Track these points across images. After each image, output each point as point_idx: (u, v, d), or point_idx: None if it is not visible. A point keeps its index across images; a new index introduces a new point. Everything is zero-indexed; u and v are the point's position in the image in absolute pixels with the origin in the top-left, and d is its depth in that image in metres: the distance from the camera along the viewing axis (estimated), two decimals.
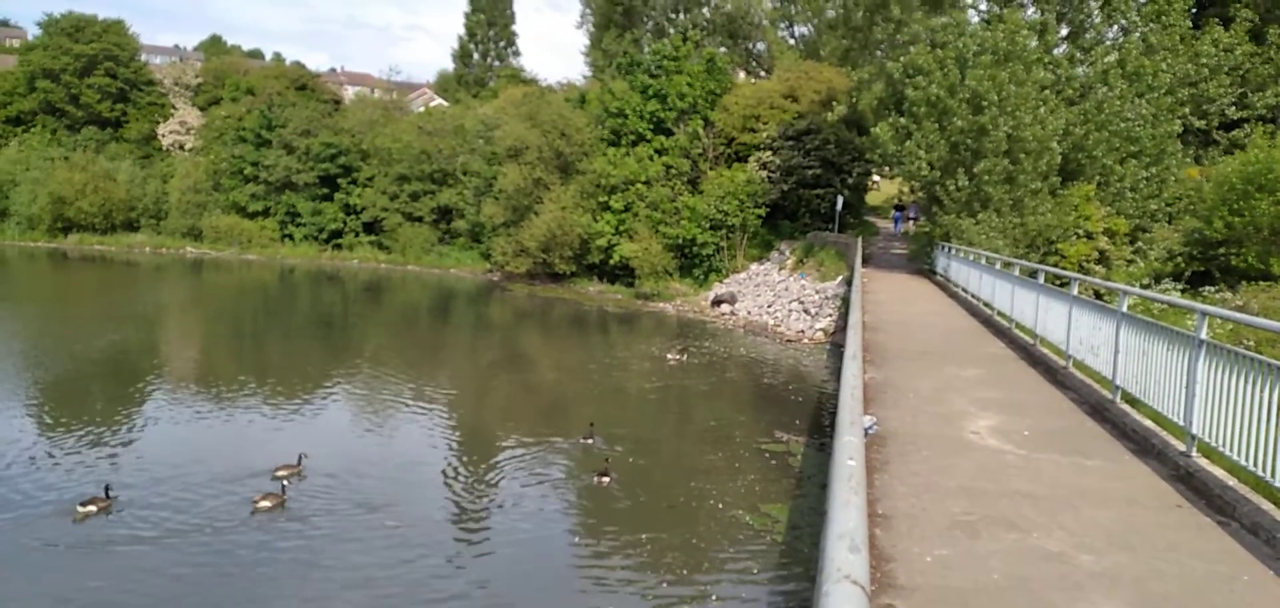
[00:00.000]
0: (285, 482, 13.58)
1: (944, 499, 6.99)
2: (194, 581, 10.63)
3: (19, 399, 19.32)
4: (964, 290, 23.06)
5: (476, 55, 74.90)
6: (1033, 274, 15.64)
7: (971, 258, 22.74)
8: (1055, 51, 31.46)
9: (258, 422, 18.45)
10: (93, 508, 12.13)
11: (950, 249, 26.45)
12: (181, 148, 63.27)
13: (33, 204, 57.79)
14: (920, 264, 32.13)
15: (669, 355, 26.71)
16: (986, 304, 19.71)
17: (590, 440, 17.51)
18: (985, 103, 26.32)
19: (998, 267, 19.07)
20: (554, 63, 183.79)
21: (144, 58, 70.91)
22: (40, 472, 14.19)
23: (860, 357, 8.26)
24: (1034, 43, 29.44)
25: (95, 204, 57.08)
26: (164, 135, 64.22)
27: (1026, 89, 26.48)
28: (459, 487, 15.05)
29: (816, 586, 3.01)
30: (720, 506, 13.98)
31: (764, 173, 42.48)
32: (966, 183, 26.91)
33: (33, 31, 72.57)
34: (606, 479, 15.09)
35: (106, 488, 12.72)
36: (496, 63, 74.71)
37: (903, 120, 29.77)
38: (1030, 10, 34.44)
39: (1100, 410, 10.33)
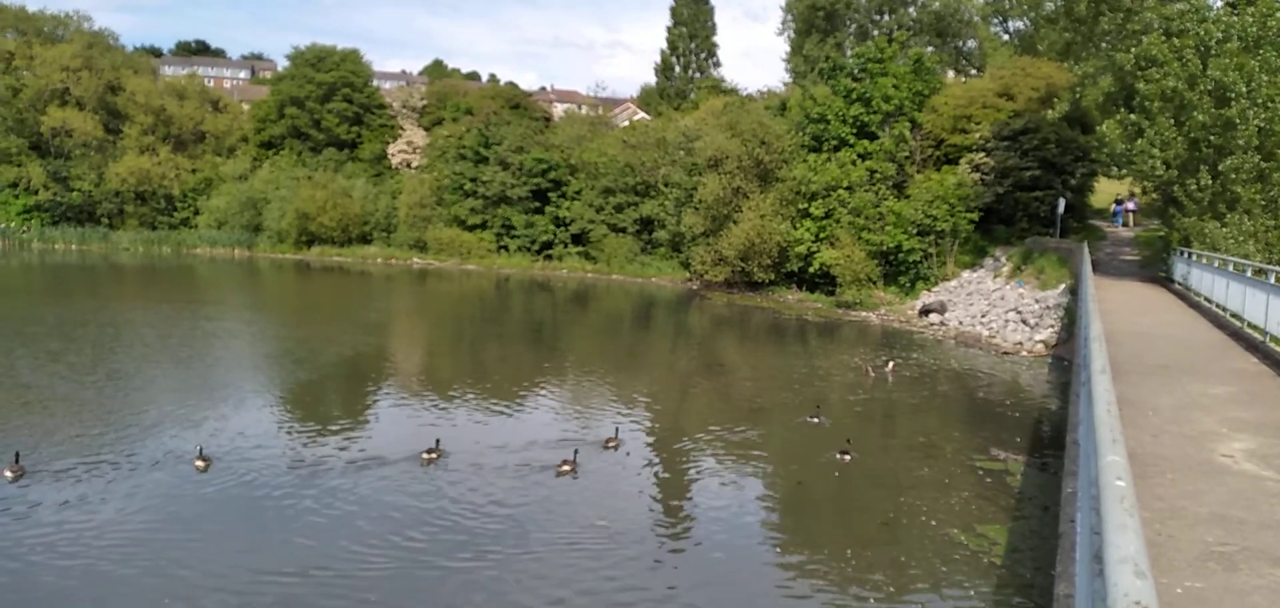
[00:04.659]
0: (576, 453, 16.04)
1: (1194, 527, 6.47)
2: (501, 499, 14.27)
3: (329, 389, 22.80)
4: (1207, 299, 21.11)
5: (678, 68, 76.12)
6: None
7: (1217, 264, 20.75)
8: None
9: (502, 409, 19.71)
10: (432, 455, 15.80)
11: (1190, 255, 24.25)
12: (408, 166, 68.37)
13: (282, 220, 64.20)
14: (1154, 271, 29.67)
15: (871, 368, 26.01)
16: (1235, 315, 17.95)
17: (817, 420, 18.83)
18: (1232, 94, 23.96)
19: (1249, 273, 17.31)
20: (754, 72, 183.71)
21: (375, 83, 77.24)
22: (368, 436, 17.96)
23: (1109, 371, 7.76)
24: None
25: (334, 219, 62.67)
26: (393, 154, 69.67)
27: None
28: (662, 489, 15.39)
29: None
30: (932, 523, 13.52)
31: (976, 175, 40.60)
32: (1210, 182, 24.62)
33: (282, 64, 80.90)
34: (848, 456, 16.14)
35: (437, 441, 16.21)
36: (697, 75, 75.61)
37: (1133, 116, 27.62)
38: None
39: None
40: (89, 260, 59.16)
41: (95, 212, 69.04)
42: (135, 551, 11.61)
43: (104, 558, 11.37)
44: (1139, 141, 26.61)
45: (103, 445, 16.02)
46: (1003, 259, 39.10)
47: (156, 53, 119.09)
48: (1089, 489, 5.44)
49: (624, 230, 54.89)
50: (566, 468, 15.38)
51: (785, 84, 66.01)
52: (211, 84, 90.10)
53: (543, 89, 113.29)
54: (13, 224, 67.83)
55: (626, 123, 67.24)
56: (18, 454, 14.34)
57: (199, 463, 14.87)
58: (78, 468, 14.62)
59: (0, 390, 20.30)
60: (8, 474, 13.82)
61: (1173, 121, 25.67)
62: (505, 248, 58.75)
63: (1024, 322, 30.76)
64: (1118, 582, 2.84)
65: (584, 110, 72.25)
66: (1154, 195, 30.84)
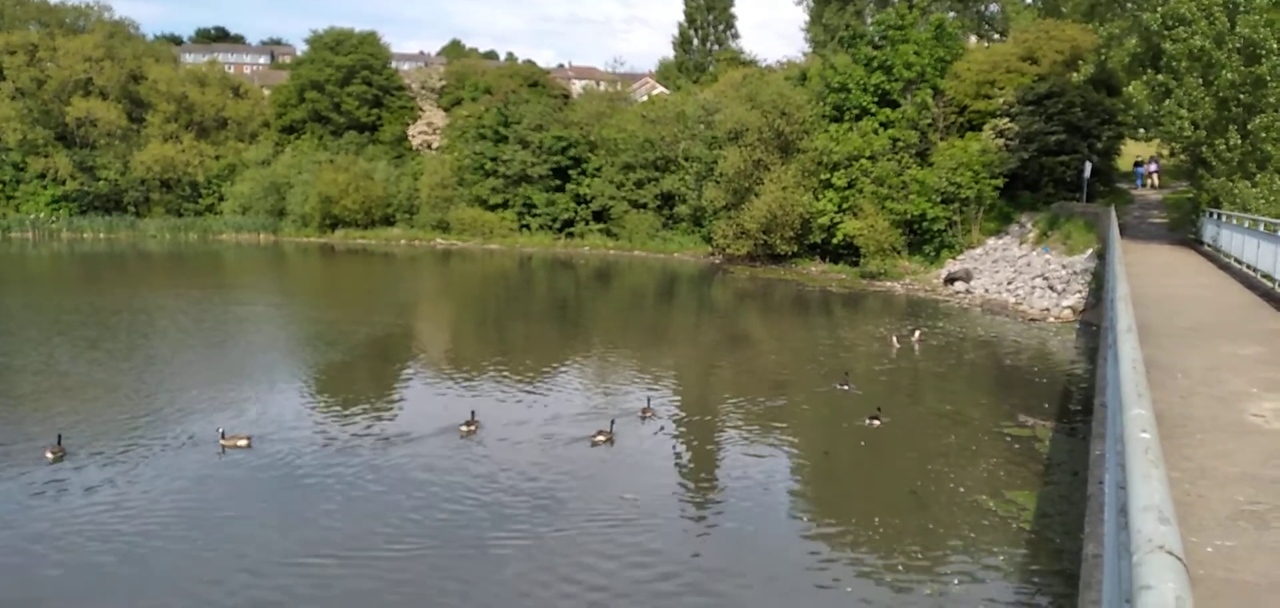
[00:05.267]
0: (613, 422, 16.34)
1: (1224, 487, 6.49)
2: (538, 469, 14.62)
3: (360, 369, 23.24)
4: (1237, 261, 20.88)
5: (696, 41, 75.73)
6: None
7: (1247, 225, 20.51)
8: None
9: (532, 385, 19.91)
10: (469, 428, 16.21)
11: (1219, 216, 23.97)
12: (429, 147, 68.63)
13: (305, 204, 64.70)
14: (1183, 234, 29.34)
15: (897, 338, 25.94)
16: (1267, 276, 17.77)
17: (847, 387, 19.19)
18: (1262, 51, 23.59)
19: None
20: (773, 43, 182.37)
21: (394, 65, 77.41)
22: (402, 413, 18.43)
23: (1135, 330, 7.77)
24: None
25: (356, 202, 63.09)
26: (413, 136, 69.94)
27: None
28: (693, 459, 15.52)
29: (1125, 562, 2.95)
30: (960, 490, 13.54)
31: (1001, 141, 40.21)
32: (1239, 142, 24.28)
33: (301, 48, 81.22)
34: (878, 422, 16.44)
35: (472, 413, 16.69)
36: (716, 47, 75.21)
37: (1160, 77, 27.23)
38: None
39: None
40: (118, 249, 59.93)
41: (122, 200, 69.91)
42: (172, 530, 11.85)
43: (141, 537, 11.62)
44: (1166, 102, 26.28)
45: (140, 428, 16.33)
46: (1028, 225, 38.79)
47: (177, 41, 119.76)
48: (1115, 446, 5.48)
49: (645, 206, 54.89)
50: (602, 438, 15.63)
51: (805, 54, 65.54)
52: (232, 70, 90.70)
53: (561, 66, 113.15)
54: (42, 215, 68.76)
55: (645, 98, 67.05)
56: (60, 436, 14.69)
57: (241, 442, 15.13)
58: (116, 450, 14.94)
59: (41, 377, 20.73)
60: (49, 456, 14.17)
61: (1201, 81, 25.31)
62: (527, 227, 58.92)
63: (1051, 288, 30.56)
64: (1141, 528, 2.86)
65: (602, 86, 72.10)
66: (1182, 157, 30.48)
